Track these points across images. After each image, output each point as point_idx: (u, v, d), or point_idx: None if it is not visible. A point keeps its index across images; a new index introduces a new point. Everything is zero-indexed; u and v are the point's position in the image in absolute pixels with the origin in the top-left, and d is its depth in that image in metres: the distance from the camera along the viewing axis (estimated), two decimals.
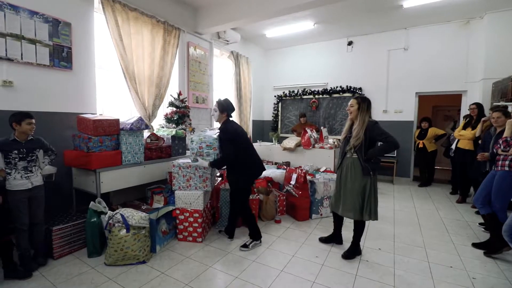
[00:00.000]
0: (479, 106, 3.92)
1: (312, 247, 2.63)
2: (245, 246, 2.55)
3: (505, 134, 2.44)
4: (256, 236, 2.62)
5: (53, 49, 2.76)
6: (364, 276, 2.12)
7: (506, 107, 3.27)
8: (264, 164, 4.40)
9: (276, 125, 7.00)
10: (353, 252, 2.42)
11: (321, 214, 3.42)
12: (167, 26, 3.95)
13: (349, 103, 2.39)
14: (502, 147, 2.42)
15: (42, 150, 2.28)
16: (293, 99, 6.73)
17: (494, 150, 2.58)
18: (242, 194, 2.61)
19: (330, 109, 6.25)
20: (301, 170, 3.51)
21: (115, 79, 3.60)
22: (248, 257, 2.41)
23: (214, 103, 2.63)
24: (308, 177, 3.43)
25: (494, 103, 3.92)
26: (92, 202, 2.42)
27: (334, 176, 2.70)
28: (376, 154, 2.28)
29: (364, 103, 2.30)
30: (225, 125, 2.57)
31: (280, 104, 6.94)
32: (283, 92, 6.83)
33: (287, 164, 4.69)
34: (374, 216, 2.30)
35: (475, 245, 2.64)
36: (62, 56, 2.83)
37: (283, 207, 3.49)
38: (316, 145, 4.60)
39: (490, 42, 4.49)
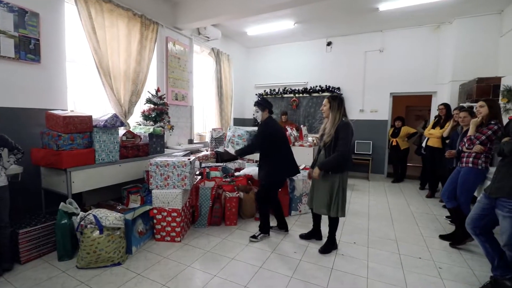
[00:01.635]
0: (446, 106, 4.16)
1: (291, 243, 2.67)
2: (254, 237, 2.70)
3: (469, 133, 2.57)
4: (265, 230, 2.76)
5: (19, 40, 2.58)
6: (340, 270, 2.20)
7: (471, 107, 3.49)
8: (244, 162, 4.44)
9: (257, 123, 7.00)
10: (329, 247, 2.50)
11: (300, 211, 3.49)
12: (145, 19, 3.83)
13: (323, 103, 2.46)
14: (466, 144, 2.57)
15: (7, 148, 2.14)
16: (274, 98, 6.76)
17: (460, 148, 2.75)
18: (269, 189, 2.70)
19: (310, 108, 6.36)
20: None
21: (89, 74, 3.43)
22: (227, 255, 2.41)
23: (254, 107, 2.78)
24: None
25: (460, 104, 4.17)
26: (62, 203, 2.31)
27: None
28: (327, 167, 2.31)
29: (335, 102, 2.35)
30: (265, 121, 2.73)
31: None
32: (264, 91, 6.86)
33: None
34: (341, 213, 2.37)
35: (442, 237, 2.81)
36: (29, 49, 2.66)
37: None
38: (296, 143, 4.67)
39: (458, 46, 4.76)
